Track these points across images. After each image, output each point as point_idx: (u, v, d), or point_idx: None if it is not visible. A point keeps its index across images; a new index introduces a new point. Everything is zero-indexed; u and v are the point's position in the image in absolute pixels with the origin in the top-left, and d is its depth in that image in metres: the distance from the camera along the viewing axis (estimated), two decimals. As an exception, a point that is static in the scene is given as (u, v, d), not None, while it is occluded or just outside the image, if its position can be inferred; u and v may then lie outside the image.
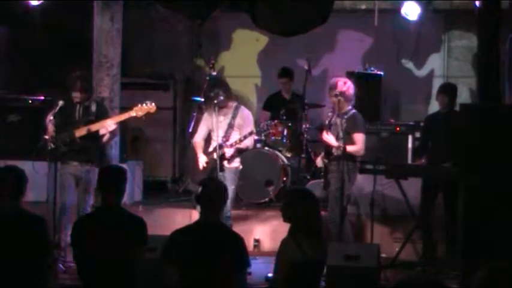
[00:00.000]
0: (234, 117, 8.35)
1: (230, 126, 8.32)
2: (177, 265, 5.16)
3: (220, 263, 5.18)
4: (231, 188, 8.16)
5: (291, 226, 5.51)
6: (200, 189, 5.45)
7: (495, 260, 3.81)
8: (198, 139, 8.56)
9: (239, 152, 8.42)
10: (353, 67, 10.35)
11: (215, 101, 8.22)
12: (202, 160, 8.39)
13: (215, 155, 8.30)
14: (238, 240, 5.35)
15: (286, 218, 5.56)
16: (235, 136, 8.33)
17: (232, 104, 8.45)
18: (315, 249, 5.45)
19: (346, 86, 8.02)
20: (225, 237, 5.34)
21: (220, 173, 8.25)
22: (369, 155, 8.51)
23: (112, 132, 8.01)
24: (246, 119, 8.45)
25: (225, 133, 8.33)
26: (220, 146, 8.26)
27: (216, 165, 8.27)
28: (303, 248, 5.37)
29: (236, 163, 8.43)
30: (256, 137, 9.68)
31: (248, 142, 8.49)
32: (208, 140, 8.54)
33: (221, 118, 8.37)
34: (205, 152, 8.44)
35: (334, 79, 8.18)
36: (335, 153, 8.00)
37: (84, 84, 8.02)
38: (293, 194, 5.91)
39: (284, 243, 5.50)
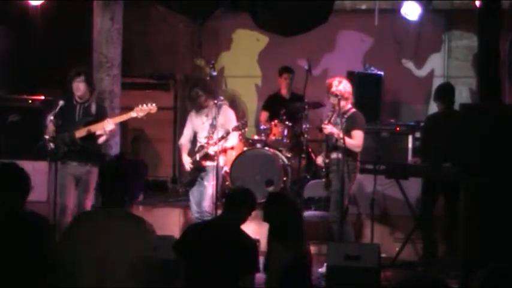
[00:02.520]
0: (216, 117, 8.41)
1: (213, 126, 8.37)
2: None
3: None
4: (210, 184, 8.22)
5: (274, 229, 5.59)
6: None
7: (496, 260, 3.81)
8: (184, 141, 8.67)
9: (224, 151, 8.50)
10: (353, 67, 10.34)
11: (197, 101, 8.37)
12: (186, 161, 8.50)
13: (198, 156, 8.38)
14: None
15: (267, 220, 5.65)
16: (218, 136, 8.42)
17: (215, 104, 8.49)
18: (300, 249, 5.52)
19: (341, 85, 8.03)
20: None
21: (202, 173, 8.35)
22: (369, 155, 8.51)
23: (111, 132, 8.00)
24: (228, 118, 8.53)
25: (207, 133, 8.40)
26: (202, 147, 8.35)
27: (199, 166, 8.37)
28: (291, 249, 5.43)
29: (220, 162, 8.47)
30: (256, 137, 9.73)
31: (233, 141, 8.58)
32: (194, 141, 8.65)
33: (204, 119, 8.47)
34: (191, 153, 8.54)
35: (329, 80, 8.21)
36: (334, 151, 8.01)
37: (88, 76, 8.06)
38: (275, 198, 5.97)
39: (271, 250, 5.56)
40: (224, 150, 8.54)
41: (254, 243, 5.52)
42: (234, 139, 8.65)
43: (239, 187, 6.93)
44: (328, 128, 7.99)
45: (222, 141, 8.32)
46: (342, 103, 7.99)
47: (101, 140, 8.01)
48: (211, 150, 8.30)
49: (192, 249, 5.34)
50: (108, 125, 7.87)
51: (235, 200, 5.60)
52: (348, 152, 7.87)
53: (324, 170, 8.20)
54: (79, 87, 7.94)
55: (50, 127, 7.87)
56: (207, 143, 8.36)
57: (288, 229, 5.58)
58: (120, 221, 4.64)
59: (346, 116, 8.00)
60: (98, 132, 7.93)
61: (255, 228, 9.09)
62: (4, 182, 4.72)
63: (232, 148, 8.83)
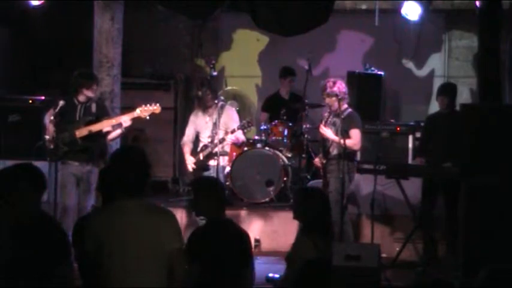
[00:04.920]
0: (219, 116, 8.45)
1: (216, 126, 8.41)
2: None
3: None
4: None
5: (304, 225, 5.59)
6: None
7: (496, 260, 3.81)
8: (186, 141, 8.69)
9: (233, 147, 8.57)
10: (354, 67, 10.34)
11: (204, 100, 8.42)
12: (189, 161, 8.52)
13: (202, 155, 8.41)
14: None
15: (298, 217, 5.64)
16: (221, 135, 8.45)
17: (218, 104, 8.54)
18: (328, 247, 5.54)
19: (336, 85, 8.05)
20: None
21: (206, 172, 8.37)
22: (369, 155, 8.51)
23: (125, 129, 8.02)
24: (231, 117, 8.60)
25: (210, 133, 8.44)
26: (206, 146, 8.38)
27: (202, 165, 8.40)
28: (319, 246, 5.44)
29: (221, 162, 8.49)
30: (256, 137, 9.74)
31: (241, 137, 8.64)
32: (196, 141, 8.68)
33: (207, 118, 8.51)
34: (194, 153, 8.58)
35: (323, 81, 8.23)
36: (332, 152, 8.03)
37: (98, 81, 8.14)
38: (306, 192, 6.00)
39: (298, 242, 5.56)
40: (235, 145, 8.62)
41: (246, 233, 5.56)
42: (241, 136, 8.73)
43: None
44: (324, 131, 8.02)
45: (230, 136, 8.38)
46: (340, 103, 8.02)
47: (114, 134, 8.01)
48: (219, 148, 8.32)
49: (201, 256, 5.31)
50: (127, 121, 7.88)
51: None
52: (345, 153, 7.88)
53: (321, 170, 8.23)
54: (92, 91, 7.99)
55: (50, 127, 7.87)
56: (212, 142, 8.39)
57: (319, 226, 5.58)
58: (154, 212, 4.43)
59: (342, 116, 8.01)
60: (106, 130, 7.95)
61: (257, 228, 9.12)
62: (22, 182, 4.71)
63: (242, 143, 8.88)
